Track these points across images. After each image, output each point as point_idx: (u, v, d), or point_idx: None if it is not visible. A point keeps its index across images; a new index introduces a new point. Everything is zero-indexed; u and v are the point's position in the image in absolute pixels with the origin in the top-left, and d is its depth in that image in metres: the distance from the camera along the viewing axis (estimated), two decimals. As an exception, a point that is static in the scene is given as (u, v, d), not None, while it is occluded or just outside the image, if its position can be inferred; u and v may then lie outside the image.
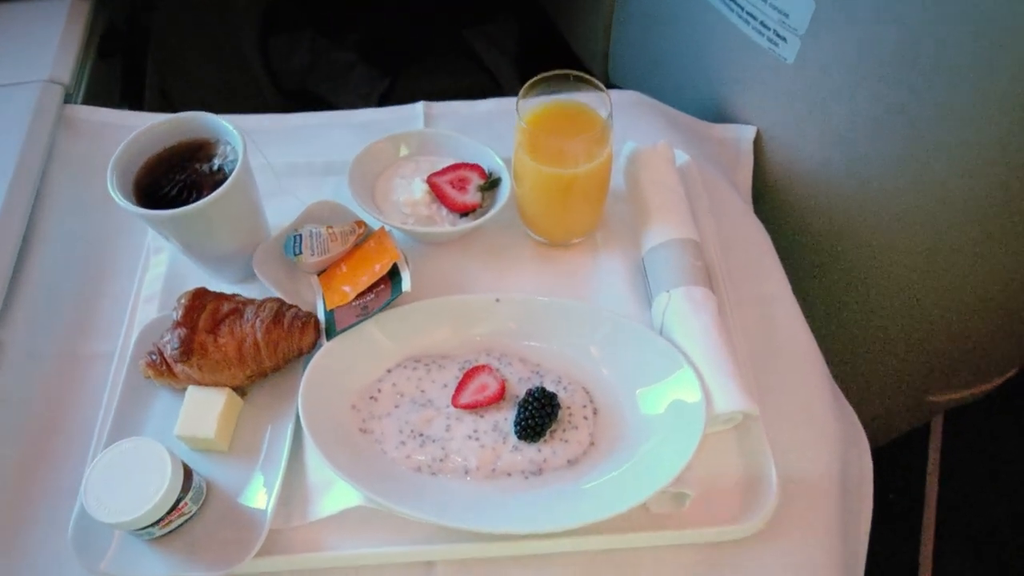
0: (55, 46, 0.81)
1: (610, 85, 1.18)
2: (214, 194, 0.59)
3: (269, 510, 0.56)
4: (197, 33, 1.28)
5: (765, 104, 0.83)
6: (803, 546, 0.57)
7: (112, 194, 0.59)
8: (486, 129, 0.82)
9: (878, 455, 0.71)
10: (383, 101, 1.59)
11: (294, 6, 1.49)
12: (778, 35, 0.75)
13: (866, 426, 0.70)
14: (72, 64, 0.81)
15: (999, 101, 0.63)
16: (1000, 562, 1.34)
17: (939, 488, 1.47)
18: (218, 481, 0.59)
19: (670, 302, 0.63)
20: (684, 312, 0.62)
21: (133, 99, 0.97)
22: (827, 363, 0.68)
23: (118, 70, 0.93)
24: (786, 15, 0.73)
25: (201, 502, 0.57)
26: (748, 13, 0.77)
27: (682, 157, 0.76)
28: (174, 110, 1.15)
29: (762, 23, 0.76)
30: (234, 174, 0.60)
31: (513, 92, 1.64)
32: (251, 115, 0.83)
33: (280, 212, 0.72)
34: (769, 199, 0.88)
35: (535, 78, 0.62)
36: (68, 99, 0.81)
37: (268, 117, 0.83)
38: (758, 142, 0.86)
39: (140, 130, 0.63)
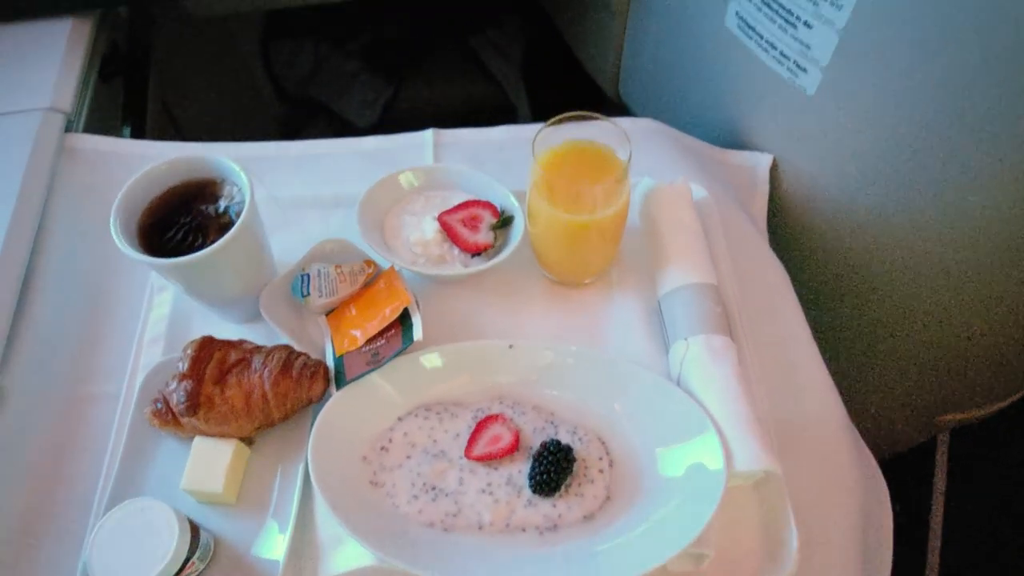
0: (56, 71, 0.79)
1: (619, 101, 1.16)
2: (220, 241, 0.57)
3: (280, 567, 0.55)
4: (199, 40, 1.26)
5: (781, 132, 0.81)
6: (824, 606, 0.56)
7: (116, 241, 0.57)
8: (496, 158, 0.81)
9: (884, 467, 0.69)
10: (387, 110, 1.57)
11: (297, 13, 1.46)
12: (798, 66, 0.73)
13: (874, 442, 0.68)
14: (73, 90, 0.79)
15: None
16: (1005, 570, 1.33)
17: (945, 499, 1.46)
18: (226, 535, 0.58)
19: (688, 351, 0.61)
20: (703, 363, 0.60)
21: (136, 119, 0.95)
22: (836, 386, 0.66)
23: (120, 92, 0.91)
24: (808, 46, 0.71)
25: (208, 559, 0.56)
26: (768, 42, 0.75)
27: (699, 192, 0.74)
28: (176, 126, 1.13)
29: (782, 52, 0.74)
30: (240, 219, 0.58)
31: (519, 101, 1.60)
32: (255, 143, 0.81)
33: (286, 246, 0.70)
34: (783, 226, 0.86)
35: (553, 120, 0.60)
36: (69, 126, 0.79)
37: (273, 145, 0.81)
38: (773, 169, 0.84)
39: (142, 172, 0.61)
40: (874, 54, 0.67)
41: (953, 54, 0.62)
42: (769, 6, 0.73)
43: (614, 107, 1.18)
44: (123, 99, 0.93)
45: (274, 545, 0.57)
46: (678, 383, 0.61)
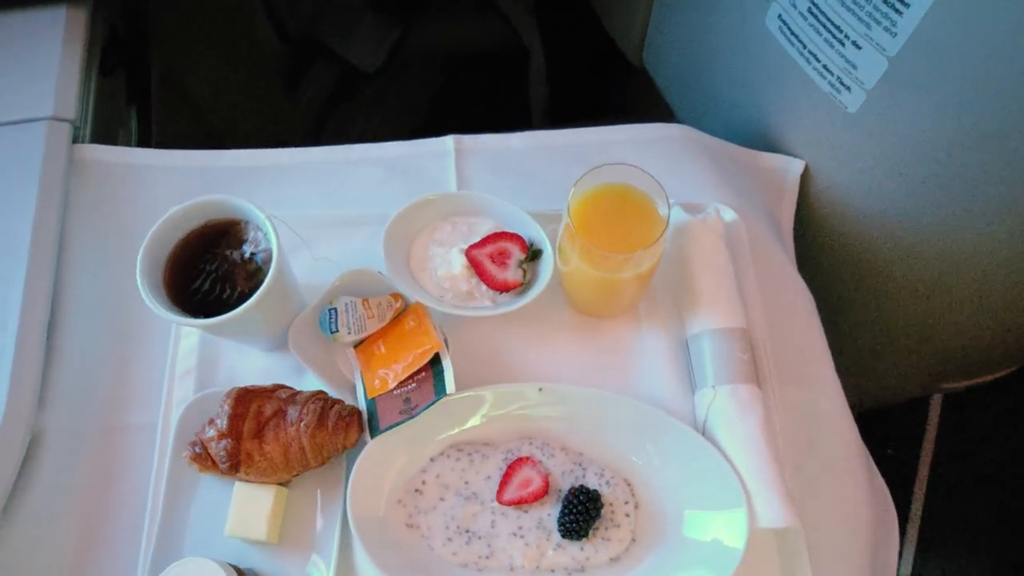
0: (55, 72, 0.74)
1: (641, 69, 1.10)
2: (252, 300, 0.57)
3: (324, 605, 0.58)
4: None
5: (815, 141, 0.78)
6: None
7: (147, 301, 0.57)
8: (519, 169, 0.78)
9: (878, 414, 0.72)
10: (394, 53, 1.49)
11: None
12: (842, 83, 0.69)
13: (873, 399, 0.70)
14: (76, 92, 0.75)
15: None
16: (989, 509, 1.41)
17: (935, 446, 1.52)
18: (271, 575, 0.61)
19: (715, 400, 0.62)
20: (729, 414, 0.61)
21: (141, 98, 0.91)
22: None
23: (123, 79, 0.86)
24: (854, 66, 0.67)
25: (257, 600, 0.59)
26: (811, 53, 0.71)
27: (729, 214, 0.72)
28: (182, 94, 1.08)
29: (825, 67, 0.70)
30: (269, 278, 0.57)
31: (532, 45, 1.52)
32: (269, 150, 0.78)
33: (308, 268, 0.69)
34: (808, 233, 0.85)
35: (587, 172, 0.58)
36: (75, 134, 0.75)
37: (289, 152, 0.78)
38: (803, 175, 0.81)
39: (161, 221, 0.60)
40: (924, 83, 0.63)
41: (1007, 89, 0.59)
42: (816, 17, 0.68)
43: (634, 71, 1.13)
44: (126, 83, 0.88)
45: (317, 581, 0.60)
46: (703, 430, 0.63)
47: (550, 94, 1.48)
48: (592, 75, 1.42)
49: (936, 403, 1.53)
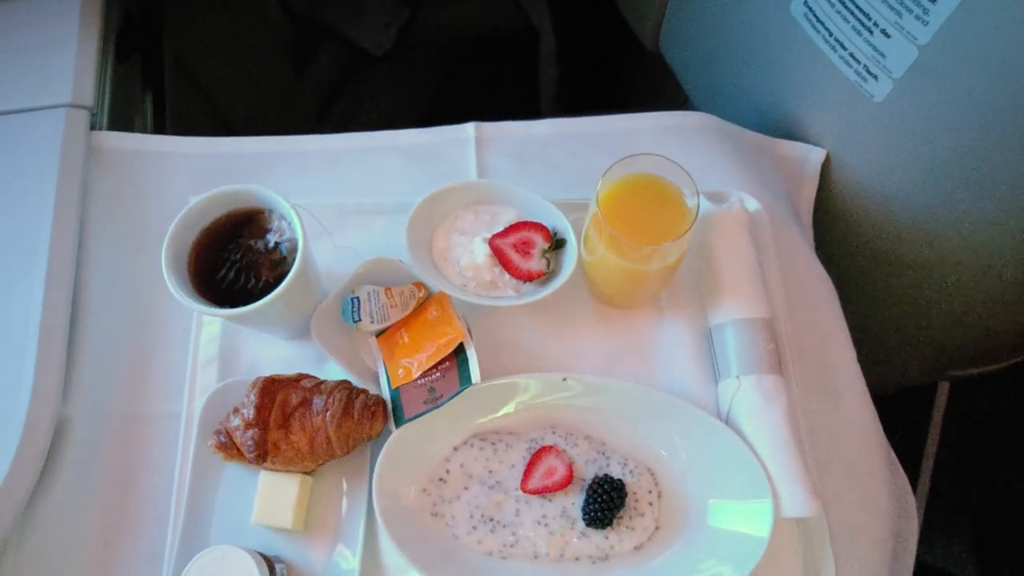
0: (72, 58, 0.74)
1: (655, 53, 1.09)
2: (277, 290, 0.57)
3: (352, 592, 0.59)
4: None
5: (837, 130, 0.78)
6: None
7: (173, 292, 0.57)
8: (542, 156, 0.77)
9: (885, 400, 0.72)
10: (402, 35, 1.48)
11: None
12: (868, 71, 0.69)
13: (880, 383, 0.70)
14: (93, 79, 0.74)
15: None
16: (993, 495, 1.42)
17: (941, 432, 1.53)
18: (297, 562, 0.61)
19: (740, 390, 0.62)
20: (754, 403, 0.61)
21: (156, 87, 0.90)
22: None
23: (138, 66, 0.86)
24: (882, 55, 0.66)
25: (284, 587, 0.60)
26: (837, 40, 0.70)
27: (752, 204, 0.72)
28: (194, 81, 1.07)
29: (852, 55, 0.69)
30: (295, 269, 0.57)
31: (543, 27, 1.50)
32: (289, 137, 0.77)
33: (329, 256, 0.69)
34: (826, 222, 0.84)
35: (615, 163, 0.57)
36: (92, 121, 0.75)
37: (308, 139, 0.78)
38: (824, 164, 0.81)
39: (185, 211, 0.59)
40: (953, 73, 0.63)
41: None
42: (844, 4, 0.67)
43: (648, 55, 1.12)
44: (141, 69, 0.87)
45: (345, 568, 0.60)
46: (726, 420, 0.63)
47: (560, 78, 1.47)
48: (603, 59, 1.41)
49: (943, 389, 1.54)
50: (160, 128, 0.92)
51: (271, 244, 0.61)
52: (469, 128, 0.78)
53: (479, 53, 1.53)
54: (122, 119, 0.81)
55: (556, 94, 1.43)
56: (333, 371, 0.66)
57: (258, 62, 1.34)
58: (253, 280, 0.60)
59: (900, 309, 0.96)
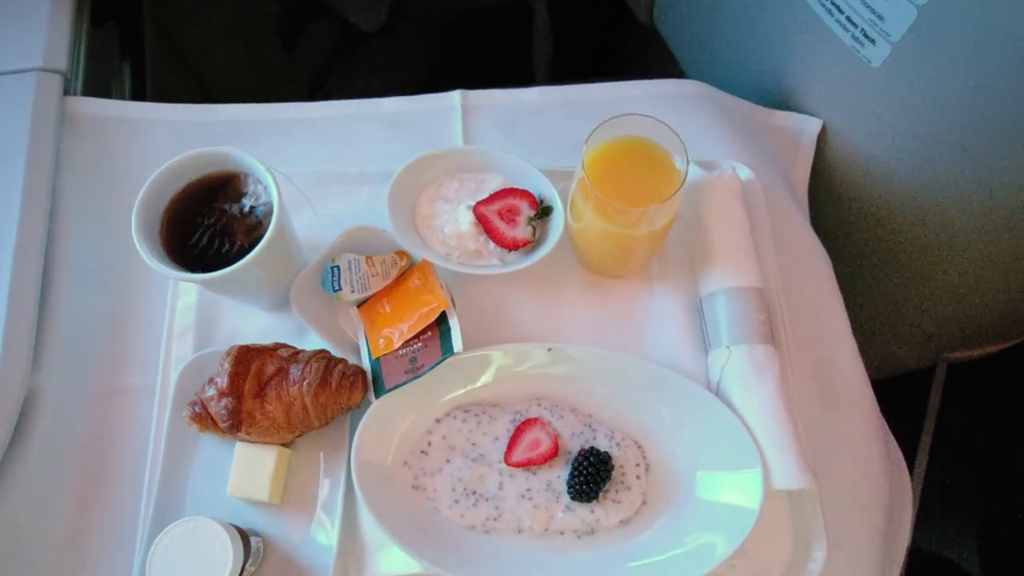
0: (45, 21, 0.71)
1: (649, 26, 1.07)
2: (251, 254, 0.55)
3: (330, 566, 0.57)
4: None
5: (833, 99, 0.76)
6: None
7: (142, 254, 0.55)
8: (530, 124, 0.75)
9: (882, 384, 0.71)
10: (394, 10, 1.45)
11: None
12: (866, 35, 0.66)
13: (876, 367, 0.69)
14: (67, 42, 0.72)
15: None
16: (989, 480, 1.41)
17: (937, 417, 1.51)
18: (273, 536, 0.60)
19: (730, 360, 0.60)
20: (745, 374, 0.60)
21: (134, 56, 0.88)
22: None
23: (115, 35, 0.83)
24: (880, 17, 0.64)
25: (259, 561, 0.58)
26: (833, 3, 0.68)
27: (746, 173, 0.70)
28: (176, 51, 1.05)
29: (848, 19, 0.67)
30: (270, 229, 0.55)
31: (537, 2, 1.47)
32: (270, 105, 0.75)
33: (311, 224, 0.67)
34: (821, 195, 0.82)
35: (601, 124, 0.55)
36: (67, 87, 0.72)
37: (291, 107, 0.75)
38: (820, 135, 0.79)
39: (157, 173, 0.57)
40: (953, 35, 0.61)
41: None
42: (840, -35, 0.65)
43: (642, 29, 1.09)
44: (119, 37, 0.85)
45: (323, 542, 0.59)
46: (716, 390, 0.61)
47: (554, 53, 1.45)
48: (597, 33, 1.38)
49: (940, 373, 1.52)
50: (139, 99, 0.89)
51: (246, 208, 0.59)
52: (455, 96, 0.76)
53: (472, 28, 1.50)
54: (98, 87, 0.78)
55: (550, 70, 1.40)
56: (313, 343, 0.64)
57: (246, 39, 1.31)
58: (228, 245, 0.58)
59: (895, 284, 0.94)
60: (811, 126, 0.78)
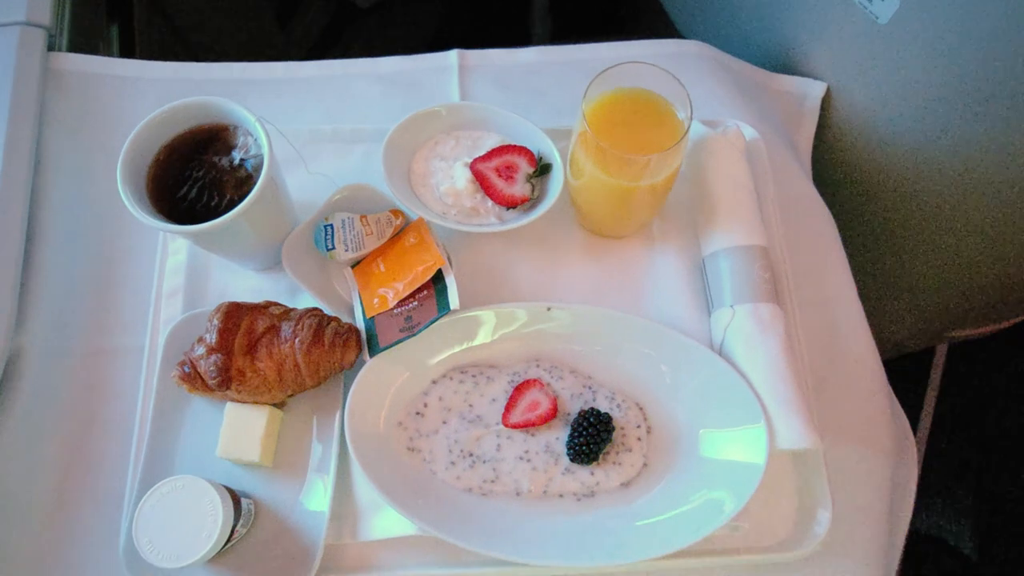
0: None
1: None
2: (240, 206, 0.53)
3: (323, 529, 0.56)
4: None
5: (840, 60, 0.74)
6: (852, 565, 0.57)
7: (127, 205, 0.53)
8: (528, 84, 0.74)
9: (884, 363, 0.70)
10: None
11: None
12: (873, -11, 0.65)
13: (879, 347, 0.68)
14: (51, -1, 0.70)
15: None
16: (989, 455, 1.40)
17: (939, 394, 1.51)
18: (265, 499, 0.58)
19: (734, 319, 0.59)
20: (749, 333, 0.58)
21: (122, 18, 0.86)
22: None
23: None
24: (887, -30, 0.62)
25: (251, 524, 0.57)
26: (840, -42, 0.66)
27: (750, 132, 0.68)
28: (166, 15, 1.02)
29: (855, -28, 0.65)
30: (261, 180, 0.53)
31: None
32: (263, 63, 0.73)
33: (304, 184, 0.65)
34: (825, 159, 0.81)
35: (601, 73, 0.54)
36: (51, 43, 0.70)
37: (282, 65, 0.73)
38: (824, 98, 0.77)
39: (144, 122, 0.55)
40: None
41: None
42: (847, -84, 0.64)
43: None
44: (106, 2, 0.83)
45: (315, 506, 0.57)
46: (720, 351, 0.60)
47: (552, 24, 1.43)
48: (599, 2, 1.37)
49: (941, 352, 1.51)
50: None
51: (236, 161, 0.57)
52: (452, 55, 0.74)
53: (468, 4, 1.49)
54: (84, 45, 0.76)
55: (550, 40, 1.39)
56: (305, 303, 0.62)
57: (241, 16, 1.29)
58: (217, 198, 0.56)
59: (899, 253, 0.93)
60: (816, 90, 0.77)
